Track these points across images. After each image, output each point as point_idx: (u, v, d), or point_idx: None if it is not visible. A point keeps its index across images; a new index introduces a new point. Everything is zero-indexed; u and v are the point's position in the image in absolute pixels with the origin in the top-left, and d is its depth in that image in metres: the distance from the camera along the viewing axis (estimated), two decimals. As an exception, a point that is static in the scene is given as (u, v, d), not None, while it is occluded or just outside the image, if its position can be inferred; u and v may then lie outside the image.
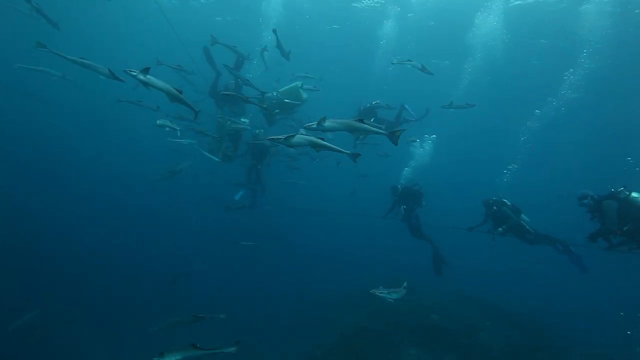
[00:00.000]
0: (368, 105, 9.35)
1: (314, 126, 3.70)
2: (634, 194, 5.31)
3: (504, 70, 17.07)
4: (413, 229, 8.34)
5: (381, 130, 3.86)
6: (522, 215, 7.30)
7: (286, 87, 8.91)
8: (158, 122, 6.81)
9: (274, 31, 8.26)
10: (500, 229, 7.16)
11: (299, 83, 8.85)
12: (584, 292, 13.03)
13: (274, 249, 14.30)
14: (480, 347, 7.97)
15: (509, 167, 10.30)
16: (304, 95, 8.89)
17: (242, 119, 8.48)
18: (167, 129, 6.85)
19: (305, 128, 3.77)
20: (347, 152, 3.77)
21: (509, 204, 7.32)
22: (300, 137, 3.65)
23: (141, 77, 3.57)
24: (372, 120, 8.56)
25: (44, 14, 8.21)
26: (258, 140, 8.79)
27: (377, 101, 9.28)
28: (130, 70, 3.58)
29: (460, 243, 11.34)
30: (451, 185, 23.57)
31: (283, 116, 9.21)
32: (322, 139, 3.73)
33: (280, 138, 3.61)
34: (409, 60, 6.87)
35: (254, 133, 9.10)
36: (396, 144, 3.86)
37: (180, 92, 3.87)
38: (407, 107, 9.57)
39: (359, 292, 10.26)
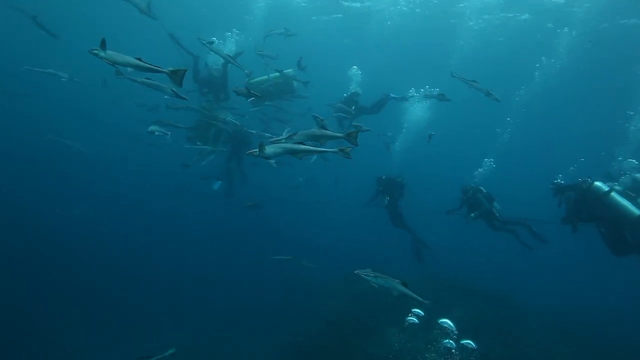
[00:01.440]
0: (347, 94, 9.48)
1: (255, 152, 3.53)
2: (596, 183, 5.75)
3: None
4: (395, 218, 8.70)
5: (339, 135, 3.83)
6: (495, 203, 7.95)
7: (276, 74, 8.80)
8: (150, 128, 6.69)
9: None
10: (472, 214, 7.77)
11: (291, 71, 8.74)
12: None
13: (256, 238, 14.44)
14: (455, 320, 8.68)
15: (485, 160, 10.87)
16: (295, 84, 8.90)
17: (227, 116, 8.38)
18: (156, 133, 6.73)
19: (272, 143, 3.58)
20: (334, 150, 3.63)
21: (484, 191, 7.92)
22: (275, 146, 3.50)
23: (102, 54, 3.32)
24: (352, 108, 8.79)
25: (42, 26, 8.02)
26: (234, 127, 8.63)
27: (356, 89, 9.41)
28: (92, 49, 3.36)
29: (435, 228, 12.06)
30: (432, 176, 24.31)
31: (269, 102, 9.05)
32: (302, 143, 3.58)
33: (255, 152, 3.47)
34: (474, 81, 6.17)
35: (227, 120, 8.76)
36: (355, 145, 3.74)
37: (140, 59, 3.50)
38: (392, 95, 9.52)
39: (337, 278, 10.67)
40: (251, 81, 8.70)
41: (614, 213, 5.45)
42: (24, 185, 15.87)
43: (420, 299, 4.27)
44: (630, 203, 5.37)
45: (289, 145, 3.55)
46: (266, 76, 8.77)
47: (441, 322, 6.18)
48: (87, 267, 11.67)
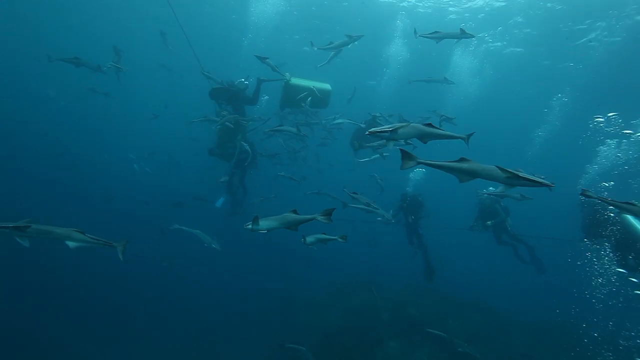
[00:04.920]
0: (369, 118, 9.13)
1: (249, 226, 3.44)
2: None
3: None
4: (412, 236, 8.84)
5: (312, 217, 3.51)
6: (509, 217, 8.40)
7: (317, 83, 8.64)
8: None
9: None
10: (489, 222, 8.22)
11: (328, 86, 8.62)
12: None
13: (255, 252, 14.43)
14: (450, 333, 9.01)
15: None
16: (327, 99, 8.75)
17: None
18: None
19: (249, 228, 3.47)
20: (316, 216, 3.50)
21: (501, 204, 8.38)
22: (269, 220, 3.46)
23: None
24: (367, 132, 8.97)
25: (84, 63, 8.26)
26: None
27: (377, 114, 8.87)
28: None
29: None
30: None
31: (295, 108, 8.90)
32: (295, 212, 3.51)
33: (249, 225, 3.43)
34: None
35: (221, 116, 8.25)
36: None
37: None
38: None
39: (331, 291, 10.88)
40: (291, 81, 8.51)
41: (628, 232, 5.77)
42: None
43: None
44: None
45: (284, 219, 3.49)
46: (310, 84, 8.52)
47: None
48: (83, 274, 11.42)
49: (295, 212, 3.53)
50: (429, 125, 3.20)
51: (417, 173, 13.12)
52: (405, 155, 2.90)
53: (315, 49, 8.52)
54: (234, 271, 13.39)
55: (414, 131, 3.25)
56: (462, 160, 2.86)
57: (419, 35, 7.74)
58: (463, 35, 7.44)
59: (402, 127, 3.17)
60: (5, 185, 15.43)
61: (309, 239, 4.02)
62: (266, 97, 9.87)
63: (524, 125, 21.50)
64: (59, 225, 3.13)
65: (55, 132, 21.93)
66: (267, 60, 7.59)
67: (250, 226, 3.45)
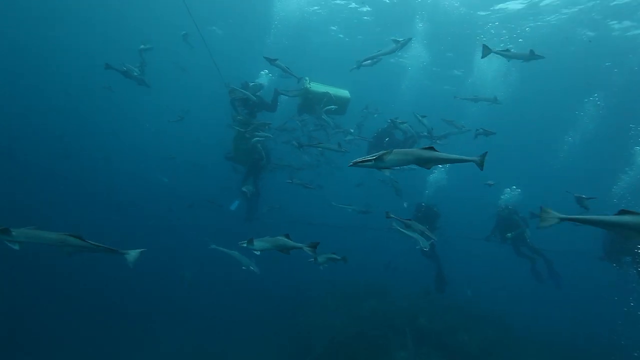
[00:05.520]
0: (383, 127, 9.08)
1: (244, 244, 3.75)
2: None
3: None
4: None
5: (301, 245, 3.71)
6: (527, 229, 8.23)
7: (336, 89, 8.50)
8: None
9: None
10: (509, 234, 8.10)
11: (347, 93, 8.49)
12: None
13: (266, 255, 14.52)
14: (460, 345, 8.88)
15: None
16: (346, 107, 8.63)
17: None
18: None
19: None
20: (301, 245, 3.68)
21: (520, 215, 8.27)
22: (263, 241, 3.74)
23: None
24: (386, 140, 8.70)
25: (133, 76, 8.39)
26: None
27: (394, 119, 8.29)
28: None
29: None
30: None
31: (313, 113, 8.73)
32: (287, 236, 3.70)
33: (244, 243, 3.73)
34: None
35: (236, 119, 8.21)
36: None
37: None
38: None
39: (336, 296, 10.76)
40: (310, 86, 8.35)
41: None
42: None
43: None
44: None
45: (276, 242, 3.69)
46: (328, 90, 8.38)
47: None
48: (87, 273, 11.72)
49: (287, 236, 3.72)
50: (430, 149, 2.75)
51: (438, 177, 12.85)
52: (544, 212, 2.59)
53: (361, 63, 8.18)
54: (243, 274, 13.53)
55: (407, 157, 2.80)
56: (623, 212, 2.22)
57: (490, 52, 6.86)
58: (532, 56, 6.86)
59: (387, 154, 2.71)
60: (28, 187, 15.93)
61: (320, 258, 4.46)
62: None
63: (551, 130, 20.65)
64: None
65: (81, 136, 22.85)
66: (277, 61, 7.39)
67: (245, 244, 3.75)
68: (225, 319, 10.89)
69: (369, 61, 8.24)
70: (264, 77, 9.92)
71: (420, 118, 7.63)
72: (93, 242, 2.86)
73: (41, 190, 15.91)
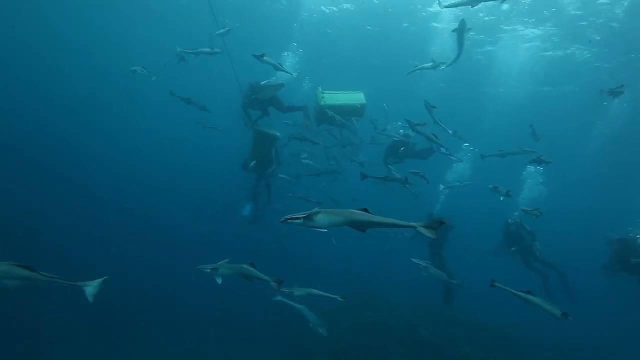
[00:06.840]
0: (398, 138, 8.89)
1: (207, 270, 3.88)
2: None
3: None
4: (435, 258, 8.55)
5: (267, 278, 3.75)
6: (536, 242, 8.12)
7: (350, 95, 8.19)
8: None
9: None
10: (513, 248, 8.02)
11: (362, 97, 8.14)
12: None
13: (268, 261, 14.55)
14: (462, 356, 8.81)
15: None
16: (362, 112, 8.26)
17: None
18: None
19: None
20: (269, 279, 3.78)
21: (527, 228, 8.12)
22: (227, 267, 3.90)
23: None
24: (401, 149, 8.63)
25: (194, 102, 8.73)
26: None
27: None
28: None
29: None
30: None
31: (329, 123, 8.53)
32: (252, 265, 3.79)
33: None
34: None
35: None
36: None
37: None
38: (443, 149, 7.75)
39: (333, 305, 10.78)
40: (324, 97, 8.05)
41: None
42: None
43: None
44: None
45: (241, 270, 3.83)
46: (343, 98, 8.10)
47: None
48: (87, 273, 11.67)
49: (252, 265, 3.80)
50: (364, 210, 2.47)
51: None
52: None
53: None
54: (245, 281, 13.47)
55: (338, 219, 2.49)
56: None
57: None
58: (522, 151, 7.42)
59: (319, 213, 2.46)
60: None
61: (297, 292, 4.63)
62: None
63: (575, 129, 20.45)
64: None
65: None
66: (265, 57, 6.95)
67: (208, 270, 3.88)
68: (227, 326, 10.88)
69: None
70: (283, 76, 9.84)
71: (430, 108, 7.08)
72: (45, 274, 2.48)
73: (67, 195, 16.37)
